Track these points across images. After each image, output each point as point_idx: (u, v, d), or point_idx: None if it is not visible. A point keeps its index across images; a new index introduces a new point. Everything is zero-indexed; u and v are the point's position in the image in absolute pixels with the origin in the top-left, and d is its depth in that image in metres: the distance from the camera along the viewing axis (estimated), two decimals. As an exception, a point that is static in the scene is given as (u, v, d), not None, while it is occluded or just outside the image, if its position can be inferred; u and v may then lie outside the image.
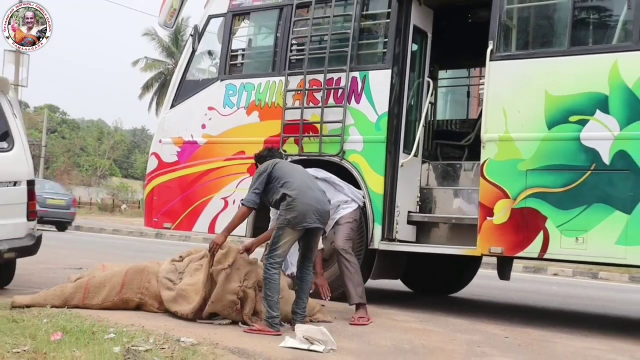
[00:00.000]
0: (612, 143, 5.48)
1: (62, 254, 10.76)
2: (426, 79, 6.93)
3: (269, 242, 5.21)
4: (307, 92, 6.92)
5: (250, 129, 7.27)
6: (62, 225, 20.82)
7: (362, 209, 6.21)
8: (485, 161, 6.03)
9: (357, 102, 6.66)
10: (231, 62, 7.62)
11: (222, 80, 7.57)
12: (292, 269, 5.65)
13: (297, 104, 7.00)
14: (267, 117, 7.18)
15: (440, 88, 8.71)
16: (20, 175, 6.17)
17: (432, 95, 7.26)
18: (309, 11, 7.10)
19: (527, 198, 5.79)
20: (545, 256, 5.82)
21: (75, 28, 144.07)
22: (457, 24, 7.77)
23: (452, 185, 6.95)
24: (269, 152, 5.64)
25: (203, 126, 7.59)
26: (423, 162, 7.01)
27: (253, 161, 5.78)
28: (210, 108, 7.56)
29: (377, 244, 6.45)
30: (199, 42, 7.83)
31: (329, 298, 5.84)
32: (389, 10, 6.67)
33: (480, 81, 7.91)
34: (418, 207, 6.83)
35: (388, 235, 6.48)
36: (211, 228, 7.36)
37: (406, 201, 6.65)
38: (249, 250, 5.36)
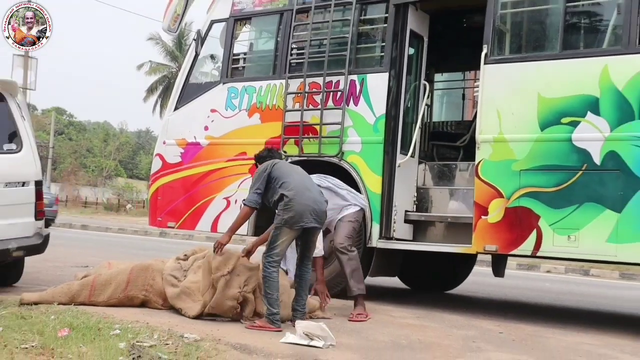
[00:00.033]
0: (602, 144, 5.57)
1: (69, 252, 10.79)
2: (422, 81, 7.00)
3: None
4: (306, 94, 7.00)
5: (251, 131, 7.34)
6: (45, 222, 20.88)
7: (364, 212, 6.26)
8: (480, 162, 6.11)
9: (356, 104, 6.74)
10: (233, 66, 7.68)
11: (224, 83, 7.63)
12: (290, 275, 5.73)
13: (297, 106, 7.08)
14: (268, 119, 7.26)
15: (436, 91, 8.77)
16: (28, 175, 6.21)
17: (428, 97, 7.29)
18: (308, 16, 7.17)
19: (521, 197, 5.87)
20: (539, 254, 5.90)
21: (82, 34, 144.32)
22: (453, 29, 7.85)
23: (448, 185, 7.03)
24: (269, 152, 5.71)
25: (206, 128, 7.66)
26: (420, 163, 7.09)
27: (254, 162, 5.86)
28: (212, 110, 7.63)
29: (375, 242, 6.53)
30: (201, 46, 7.89)
31: (327, 304, 5.88)
32: (387, 15, 6.74)
33: (475, 84, 7.90)
34: (415, 206, 6.91)
35: (386, 234, 6.57)
36: (214, 227, 7.43)
37: (403, 201, 6.73)
38: (250, 252, 5.41)
